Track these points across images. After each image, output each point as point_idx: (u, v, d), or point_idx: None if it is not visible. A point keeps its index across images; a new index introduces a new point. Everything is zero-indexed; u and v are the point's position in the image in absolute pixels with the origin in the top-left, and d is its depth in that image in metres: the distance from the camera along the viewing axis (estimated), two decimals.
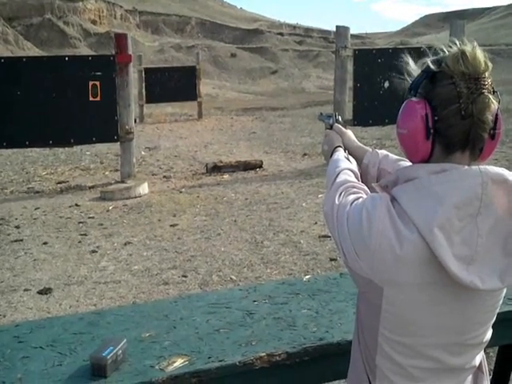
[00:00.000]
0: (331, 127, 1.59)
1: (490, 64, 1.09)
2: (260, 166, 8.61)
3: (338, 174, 1.29)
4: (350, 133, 1.57)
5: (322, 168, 8.53)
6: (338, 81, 8.82)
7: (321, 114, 1.69)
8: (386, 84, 8.57)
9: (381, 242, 1.06)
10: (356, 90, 8.74)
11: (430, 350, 1.11)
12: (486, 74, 1.07)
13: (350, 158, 1.42)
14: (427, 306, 1.08)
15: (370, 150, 1.50)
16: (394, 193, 1.12)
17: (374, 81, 8.59)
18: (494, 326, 1.18)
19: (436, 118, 1.08)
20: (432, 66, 1.10)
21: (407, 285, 1.07)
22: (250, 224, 5.67)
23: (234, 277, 4.33)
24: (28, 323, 1.92)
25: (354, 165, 1.38)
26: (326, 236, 5.17)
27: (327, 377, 1.75)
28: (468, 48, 1.09)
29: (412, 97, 1.13)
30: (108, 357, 1.40)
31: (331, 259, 4.60)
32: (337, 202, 1.18)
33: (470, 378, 1.19)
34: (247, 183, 7.58)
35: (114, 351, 1.43)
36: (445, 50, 1.11)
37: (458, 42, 1.11)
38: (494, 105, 1.07)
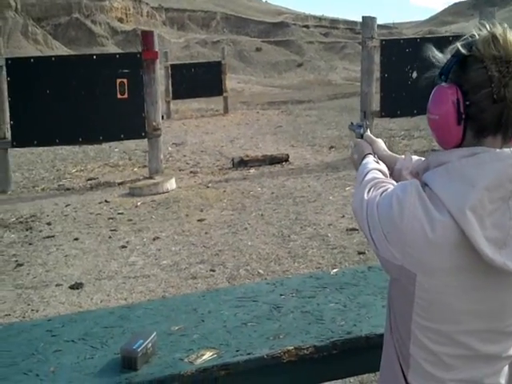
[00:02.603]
0: (361, 137, 1.57)
1: None
2: (286, 160, 8.59)
3: (367, 173, 1.29)
4: (380, 142, 1.56)
5: (349, 161, 8.47)
6: (364, 72, 8.73)
7: (351, 123, 1.67)
8: (414, 74, 8.44)
9: (412, 226, 1.06)
10: (383, 81, 8.64)
11: (463, 336, 1.09)
12: None
13: (381, 162, 1.41)
14: (460, 292, 1.07)
15: (403, 157, 1.48)
16: (425, 178, 1.12)
17: (402, 71, 8.47)
18: None
19: (467, 102, 1.07)
20: (462, 50, 1.08)
21: (440, 269, 1.06)
22: (277, 218, 5.67)
23: (261, 271, 4.35)
24: (60, 317, 1.96)
25: (383, 166, 1.38)
26: (353, 229, 5.14)
27: (355, 370, 1.75)
28: (499, 31, 1.07)
29: (442, 82, 1.12)
30: (138, 350, 1.43)
31: (359, 252, 4.57)
32: (366, 197, 1.19)
33: (506, 368, 1.16)
34: (273, 177, 7.58)
35: (144, 344, 1.45)
36: (475, 33, 1.10)
37: (488, 26, 1.09)
38: None
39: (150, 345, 1.47)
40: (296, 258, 4.57)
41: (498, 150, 1.06)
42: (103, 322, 1.71)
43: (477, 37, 1.09)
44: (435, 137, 1.15)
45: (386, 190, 1.16)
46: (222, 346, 1.53)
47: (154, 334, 1.51)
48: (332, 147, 9.72)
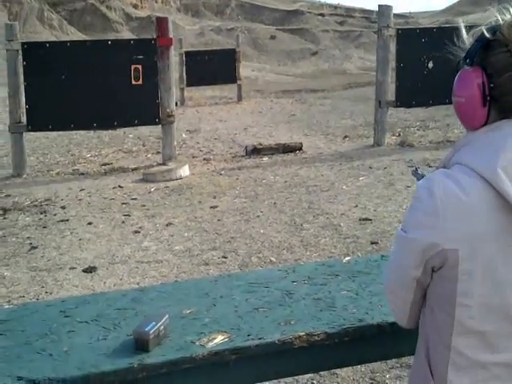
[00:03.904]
0: None
1: None
2: (300, 149, 8.56)
3: None
4: None
5: (363, 150, 8.43)
6: (380, 61, 8.65)
7: (416, 169, 1.60)
8: (430, 64, 8.35)
9: (447, 201, 1.08)
10: (399, 71, 8.56)
11: (510, 310, 1.09)
12: None
13: None
14: (503, 260, 1.07)
15: None
16: (453, 160, 1.15)
17: (418, 61, 8.38)
18: None
19: (492, 85, 1.10)
20: (487, 34, 1.11)
21: (480, 237, 1.07)
22: (290, 206, 5.67)
23: (273, 259, 4.35)
24: (74, 299, 1.98)
25: None
26: (366, 219, 5.12)
27: (366, 358, 1.75)
28: None
29: (467, 66, 1.14)
30: (151, 332, 1.44)
31: (372, 242, 4.55)
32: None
33: None
34: (287, 166, 7.57)
35: (157, 327, 1.46)
36: (498, 17, 1.12)
37: (511, 10, 1.12)
38: None
39: (162, 327, 1.48)
40: (308, 246, 4.57)
41: None
42: (116, 304, 1.72)
43: (501, 21, 1.11)
44: (460, 118, 1.18)
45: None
46: (234, 330, 1.54)
47: (167, 316, 1.52)
48: (346, 137, 9.67)
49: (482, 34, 1.12)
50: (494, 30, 1.11)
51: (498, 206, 1.06)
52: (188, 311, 1.65)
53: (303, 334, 1.51)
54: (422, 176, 1.55)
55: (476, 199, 1.07)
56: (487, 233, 1.07)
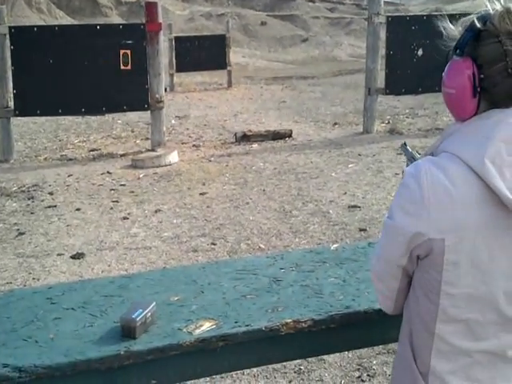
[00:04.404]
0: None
1: None
2: (289, 136, 8.55)
3: None
4: None
5: (353, 138, 8.44)
6: (370, 48, 8.63)
7: (404, 144, 1.63)
8: (420, 52, 8.35)
9: (434, 190, 1.08)
10: (389, 58, 8.55)
11: (494, 299, 1.10)
12: None
13: None
14: (488, 251, 1.08)
15: None
16: (441, 148, 1.15)
17: (408, 48, 8.38)
18: None
19: (482, 76, 1.09)
20: (478, 25, 1.10)
21: (466, 227, 1.07)
22: (279, 193, 5.67)
23: (262, 245, 4.36)
24: (60, 285, 1.97)
25: None
26: (355, 206, 5.14)
27: (353, 344, 1.76)
28: None
29: (457, 56, 1.13)
30: (137, 319, 1.43)
31: (360, 229, 4.58)
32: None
33: None
34: (276, 153, 7.56)
35: (144, 314, 1.45)
36: (489, 7, 1.11)
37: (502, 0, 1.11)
38: None
39: (149, 314, 1.47)
40: (297, 233, 4.58)
41: (510, 109, 1.09)
42: (103, 290, 1.72)
43: (491, 11, 1.10)
44: (450, 109, 1.17)
45: None
46: (221, 317, 1.54)
47: (154, 303, 1.51)
48: (336, 124, 9.67)
49: (473, 23, 1.11)
50: (485, 19, 1.10)
51: (485, 196, 1.06)
52: (175, 298, 1.65)
53: (290, 320, 1.52)
54: (411, 153, 1.57)
55: (463, 189, 1.07)
56: (473, 223, 1.07)
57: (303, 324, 1.52)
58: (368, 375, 2.77)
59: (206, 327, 1.48)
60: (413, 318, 1.20)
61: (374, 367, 2.83)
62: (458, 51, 1.13)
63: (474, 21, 1.11)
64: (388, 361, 2.84)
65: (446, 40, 1.18)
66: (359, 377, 2.76)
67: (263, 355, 1.55)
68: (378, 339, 1.72)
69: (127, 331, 1.43)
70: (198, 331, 1.46)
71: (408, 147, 1.63)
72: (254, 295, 1.67)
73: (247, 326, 1.49)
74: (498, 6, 1.10)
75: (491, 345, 1.13)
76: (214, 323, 1.50)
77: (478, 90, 1.09)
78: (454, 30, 1.16)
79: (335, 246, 2.13)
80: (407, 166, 1.58)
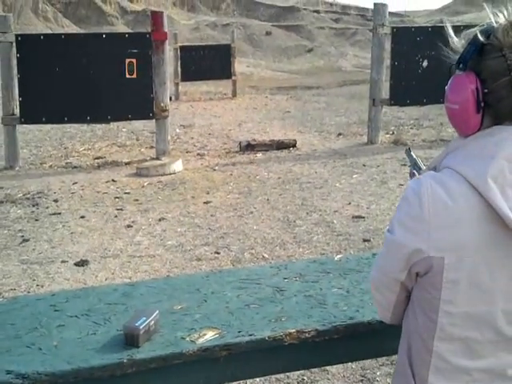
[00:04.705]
0: (414, 167, 1.58)
1: None
2: (294, 146, 8.56)
3: None
4: None
5: (357, 148, 8.44)
6: (375, 59, 8.65)
7: (409, 149, 1.66)
8: (425, 63, 8.37)
9: (434, 207, 1.07)
10: (393, 69, 8.57)
11: (493, 318, 1.08)
12: None
13: None
14: (488, 270, 1.06)
15: None
16: (444, 162, 1.13)
17: (412, 60, 8.40)
18: None
19: (486, 90, 1.07)
20: (481, 38, 1.07)
21: (467, 246, 1.05)
22: (283, 203, 5.67)
23: (266, 255, 4.36)
24: (64, 293, 1.97)
25: None
26: (359, 217, 5.14)
27: (356, 355, 1.75)
28: None
29: (460, 70, 1.11)
30: (141, 327, 1.43)
31: (364, 240, 4.57)
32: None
33: None
34: (280, 162, 7.56)
35: (147, 322, 1.45)
36: (492, 20, 1.09)
37: (505, 13, 1.08)
38: None
39: (152, 322, 1.47)
40: (301, 243, 4.58)
41: None
42: (107, 298, 1.72)
43: (494, 24, 1.08)
44: (454, 125, 1.15)
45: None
46: (224, 326, 1.53)
47: (157, 312, 1.51)
48: (340, 134, 9.67)
49: (476, 37, 1.08)
50: (488, 33, 1.07)
51: (486, 215, 1.04)
52: (179, 307, 1.65)
53: (294, 330, 1.51)
54: (414, 159, 1.59)
55: (464, 208, 1.05)
56: (474, 242, 1.05)
57: (307, 334, 1.52)
58: None
59: (209, 336, 1.47)
60: (411, 334, 1.19)
61: (377, 378, 2.82)
62: (461, 65, 1.11)
63: (477, 34, 1.08)
64: (391, 372, 2.82)
65: (449, 53, 1.16)
66: None
67: (266, 365, 1.55)
68: (381, 350, 1.71)
69: (130, 339, 1.43)
70: (201, 340, 1.46)
71: (412, 153, 1.65)
72: (257, 305, 1.67)
73: (250, 335, 1.49)
74: (502, 20, 1.08)
75: (490, 363, 1.11)
76: (217, 332, 1.50)
77: (482, 105, 1.07)
78: (457, 43, 1.15)
79: (339, 256, 2.13)
80: (411, 171, 1.60)
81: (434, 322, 1.11)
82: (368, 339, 1.60)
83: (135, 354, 1.40)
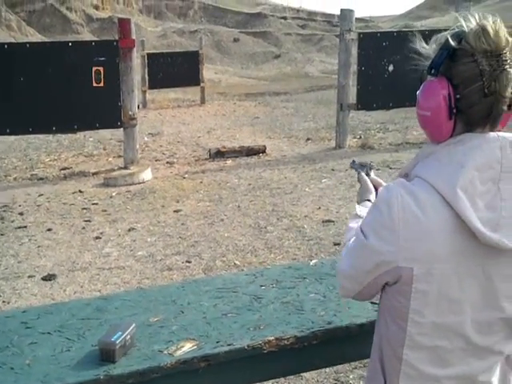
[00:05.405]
0: (367, 175, 1.59)
1: (510, 39, 1.06)
2: (263, 152, 8.57)
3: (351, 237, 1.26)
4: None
5: (325, 153, 8.51)
6: (342, 64, 8.75)
7: (353, 161, 1.65)
8: (391, 68, 8.51)
9: (404, 217, 1.06)
10: (360, 74, 8.68)
11: (462, 327, 1.08)
12: (507, 50, 1.05)
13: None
14: (457, 280, 1.06)
15: None
16: (415, 171, 1.12)
17: (379, 64, 8.52)
18: None
19: (458, 96, 1.06)
20: (452, 43, 1.06)
21: (436, 257, 1.05)
22: (254, 209, 5.66)
23: (237, 262, 4.34)
24: (35, 309, 1.92)
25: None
26: (329, 221, 5.16)
27: (335, 360, 1.75)
28: (489, 24, 1.05)
29: (432, 76, 1.09)
30: (117, 342, 1.40)
31: (335, 244, 4.59)
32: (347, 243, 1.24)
33: (498, 368, 1.15)
34: (250, 168, 7.56)
35: (123, 336, 1.42)
36: (463, 24, 1.08)
37: (477, 17, 1.08)
38: None
39: (128, 337, 1.44)
40: (272, 249, 4.57)
41: (484, 134, 1.07)
42: (80, 313, 1.68)
43: (465, 28, 1.07)
44: (426, 132, 1.14)
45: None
46: (202, 337, 1.51)
47: (133, 325, 1.48)
48: (309, 139, 9.74)
49: (447, 41, 1.06)
50: (459, 37, 1.06)
51: (457, 226, 1.04)
52: (155, 319, 1.62)
53: (272, 338, 1.50)
54: (362, 166, 1.60)
55: (434, 219, 1.05)
56: (444, 254, 1.05)
57: (286, 341, 1.51)
58: None
59: (187, 348, 1.45)
60: (383, 342, 1.19)
61: (350, 381, 2.83)
62: (432, 71, 1.08)
63: (448, 39, 1.06)
64: (364, 375, 2.83)
65: (419, 59, 1.14)
66: None
67: (246, 374, 1.54)
68: (358, 354, 1.71)
69: (106, 355, 1.40)
70: (178, 352, 1.43)
71: (356, 162, 1.65)
72: (235, 313, 1.65)
73: (229, 345, 1.47)
74: (473, 24, 1.07)
75: (460, 371, 1.12)
76: (195, 344, 1.47)
77: (454, 111, 1.06)
78: (427, 48, 1.13)
79: (314, 261, 2.13)
80: (359, 179, 1.60)
81: (404, 330, 1.11)
82: (346, 344, 1.61)
83: (112, 369, 1.36)
